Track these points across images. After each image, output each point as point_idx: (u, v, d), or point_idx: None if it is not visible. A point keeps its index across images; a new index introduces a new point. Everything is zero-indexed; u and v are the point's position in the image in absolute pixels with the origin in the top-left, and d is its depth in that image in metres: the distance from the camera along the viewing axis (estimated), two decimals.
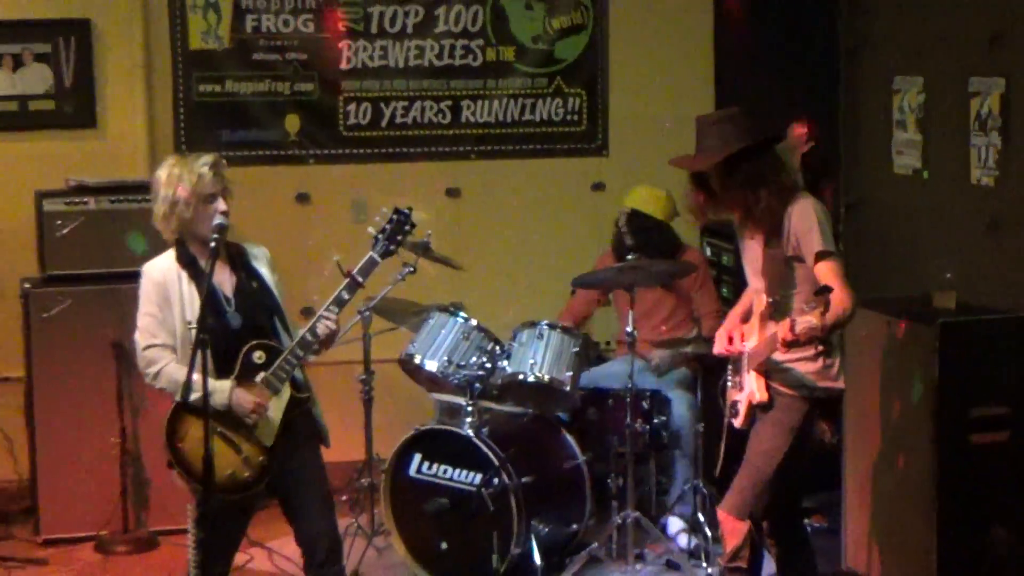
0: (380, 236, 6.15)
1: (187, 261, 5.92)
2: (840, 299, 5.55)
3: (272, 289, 6.07)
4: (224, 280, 5.97)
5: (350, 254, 6.99)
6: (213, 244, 5.76)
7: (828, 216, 5.86)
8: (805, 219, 5.75)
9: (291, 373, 5.91)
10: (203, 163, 5.88)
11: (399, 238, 6.16)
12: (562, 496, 7.51)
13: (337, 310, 5.94)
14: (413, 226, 6.22)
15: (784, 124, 8.08)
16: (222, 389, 5.69)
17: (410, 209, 6.23)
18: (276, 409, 5.91)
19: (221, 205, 5.86)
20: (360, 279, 6.01)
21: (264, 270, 6.09)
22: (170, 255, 5.97)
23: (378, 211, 8.45)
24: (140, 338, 5.96)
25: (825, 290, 5.45)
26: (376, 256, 6.09)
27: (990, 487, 6.61)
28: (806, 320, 5.46)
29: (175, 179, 5.88)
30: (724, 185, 5.88)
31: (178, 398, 5.81)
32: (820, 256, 5.69)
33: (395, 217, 6.19)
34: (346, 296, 5.97)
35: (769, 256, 5.87)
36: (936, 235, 7.73)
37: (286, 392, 5.92)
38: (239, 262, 6.04)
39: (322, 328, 5.89)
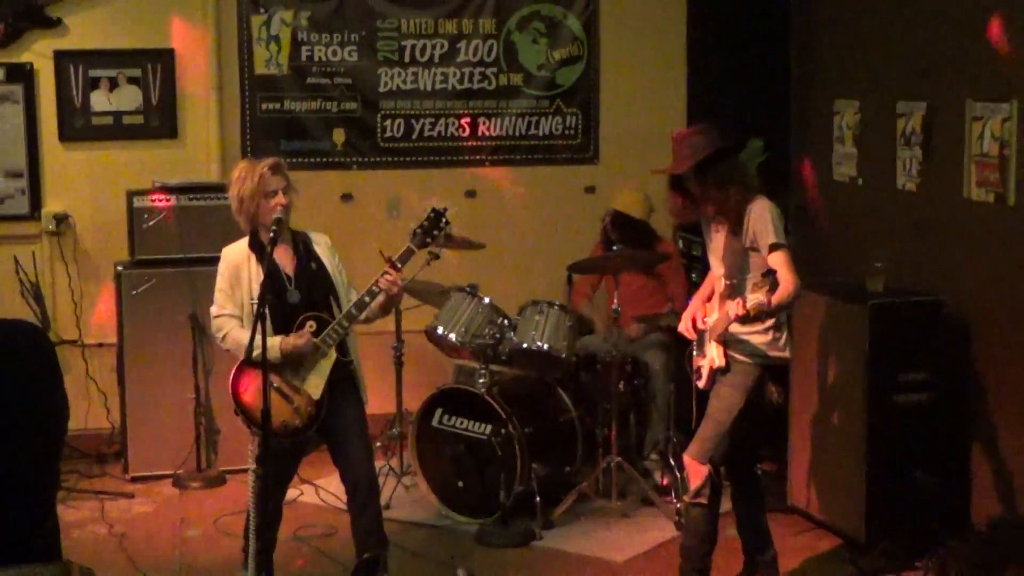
0: (418, 230, 6.12)
1: (256, 246, 5.94)
2: (786, 283, 5.57)
3: (328, 271, 6.07)
4: (287, 262, 5.99)
5: (385, 243, 7.01)
6: (272, 233, 5.78)
7: (780, 215, 5.87)
8: (762, 217, 5.75)
9: (337, 340, 5.92)
10: (264, 165, 5.92)
11: (434, 232, 6.12)
12: (558, 444, 7.50)
13: (378, 291, 5.95)
14: (448, 223, 6.18)
15: (745, 138, 8.09)
16: (272, 346, 5.68)
17: (445, 209, 6.21)
18: (324, 368, 5.93)
19: (281, 199, 5.88)
20: (399, 265, 6.00)
21: (324, 254, 6.10)
22: (244, 241, 6.01)
23: (410, 209, 8.55)
24: (213, 308, 6.04)
25: (770, 273, 5.46)
26: (413, 246, 6.07)
27: (911, 439, 6.60)
28: (755, 297, 5.46)
29: (242, 180, 5.92)
30: (700, 184, 5.88)
31: (242, 357, 5.86)
32: (773, 248, 5.70)
33: (432, 215, 6.15)
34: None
35: (730, 246, 5.87)
36: (868, 231, 7.71)
37: (332, 355, 5.93)
38: (302, 248, 6.06)
39: (378, 301, 5.90)
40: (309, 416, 5.92)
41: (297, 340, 5.86)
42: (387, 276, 5.91)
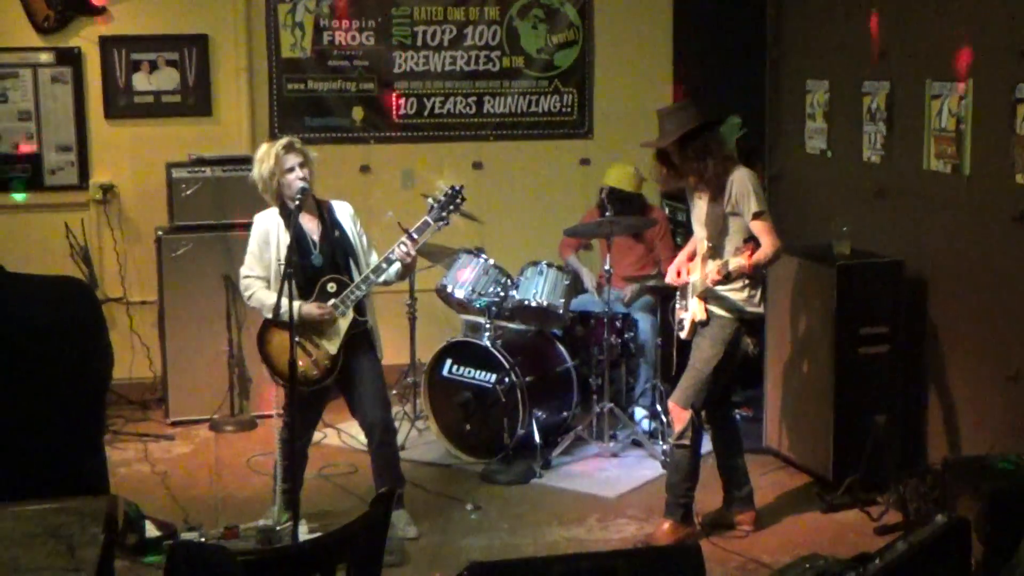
0: (436, 205, 6.09)
1: (286, 215, 5.95)
2: (767, 245, 5.63)
3: (350, 237, 6.07)
4: (312, 229, 6.00)
5: (399, 211, 7.02)
6: (296, 203, 5.80)
7: (760, 183, 5.88)
8: (744, 186, 5.76)
9: (355, 301, 5.94)
10: (280, 145, 5.93)
11: (450, 208, 6.10)
12: (556, 391, 7.51)
13: (394, 259, 5.95)
14: (463, 200, 6.15)
15: (724, 114, 8.07)
16: (295, 308, 5.68)
17: (462, 187, 6.19)
18: (342, 326, 5.95)
19: (299, 173, 5.88)
20: (415, 236, 6.00)
21: (346, 222, 6.10)
22: (275, 209, 6.02)
23: (422, 179, 8.55)
24: (243, 269, 6.07)
25: (749, 240, 5.49)
26: (430, 220, 6.05)
27: (873, 386, 6.62)
28: (736, 260, 5.49)
29: (261, 162, 5.96)
30: (681, 157, 5.88)
31: (266, 315, 5.89)
32: (756, 215, 5.73)
33: (450, 192, 6.12)
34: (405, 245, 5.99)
35: (711, 211, 5.87)
36: (836, 199, 7.70)
37: (350, 315, 5.95)
38: (325, 215, 6.06)
39: (398, 253, 5.89)
40: (325, 368, 5.95)
41: (314, 309, 5.87)
42: (402, 247, 5.91)
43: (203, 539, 5.81)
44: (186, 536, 5.91)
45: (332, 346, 5.94)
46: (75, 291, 3.06)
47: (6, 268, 2.97)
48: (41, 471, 2.91)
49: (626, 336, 7.62)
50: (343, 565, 3.27)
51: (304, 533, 5.69)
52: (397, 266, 5.97)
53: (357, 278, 5.96)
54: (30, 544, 2.51)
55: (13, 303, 2.91)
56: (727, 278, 5.62)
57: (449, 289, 7.43)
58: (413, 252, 5.97)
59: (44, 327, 2.92)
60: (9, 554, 2.46)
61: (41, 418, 2.91)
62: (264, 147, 6.02)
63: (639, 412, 7.75)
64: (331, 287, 5.93)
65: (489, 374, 7.22)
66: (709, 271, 5.69)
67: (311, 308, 5.86)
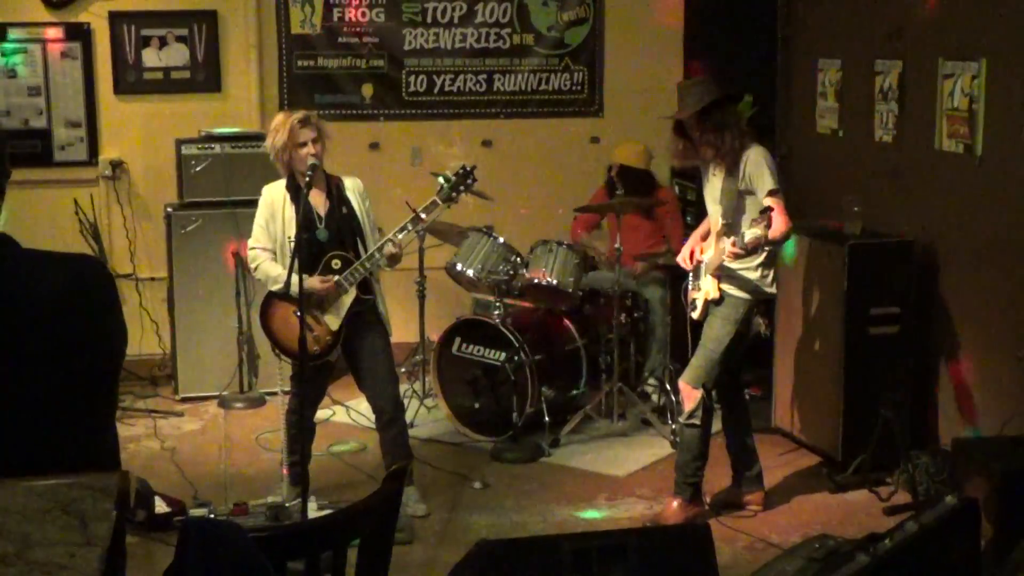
0: (445, 185, 6.08)
1: (292, 188, 5.95)
2: (779, 223, 5.60)
3: (358, 213, 6.05)
4: (320, 203, 5.98)
5: (408, 188, 7.00)
6: (307, 179, 5.77)
7: (774, 161, 5.87)
8: (758, 164, 5.74)
9: (359, 279, 5.92)
10: (296, 119, 5.87)
11: (460, 188, 6.08)
12: (565, 370, 7.52)
13: (401, 236, 5.94)
14: (475, 180, 6.14)
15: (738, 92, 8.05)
16: (295, 281, 5.66)
17: (474, 167, 6.16)
18: (344, 303, 5.95)
19: (311, 149, 5.85)
20: (423, 216, 5.99)
21: (355, 199, 6.08)
22: (282, 182, 6.01)
23: (431, 157, 8.54)
24: (250, 241, 6.07)
25: (767, 210, 5.46)
26: (439, 200, 6.04)
27: (883, 366, 6.61)
28: (753, 232, 5.46)
29: (275, 132, 5.91)
30: (700, 130, 5.86)
31: (271, 287, 5.91)
32: (770, 193, 5.70)
33: (461, 172, 6.09)
34: (409, 227, 5.97)
35: (726, 188, 5.85)
36: (848, 179, 7.68)
37: (353, 292, 5.94)
38: (334, 191, 6.04)
39: (388, 249, 5.89)
40: (326, 344, 5.97)
41: (316, 283, 5.85)
42: (390, 246, 5.86)
43: (212, 515, 5.82)
44: (195, 512, 5.92)
45: (334, 322, 5.95)
46: (90, 268, 3.05)
47: (20, 245, 2.97)
48: (54, 448, 2.91)
49: (635, 315, 7.63)
50: (355, 541, 3.27)
51: (313, 510, 5.70)
52: (384, 261, 5.93)
53: (363, 256, 5.94)
54: (42, 519, 2.50)
55: (28, 279, 2.91)
56: (744, 250, 5.60)
57: (459, 267, 7.42)
58: (398, 251, 5.92)
59: (58, 304, 2.92)
60: (21, 529, 2.46)
61: (55, 395, 2.91)
62: (280, 117, 5.97)
63: (648, 391, 7.74)
64: (336, 263, 5.92)
65: (498, 352, 7.22)
66: (725, 246, 5.67)
67: (314, 281, 5.85)
